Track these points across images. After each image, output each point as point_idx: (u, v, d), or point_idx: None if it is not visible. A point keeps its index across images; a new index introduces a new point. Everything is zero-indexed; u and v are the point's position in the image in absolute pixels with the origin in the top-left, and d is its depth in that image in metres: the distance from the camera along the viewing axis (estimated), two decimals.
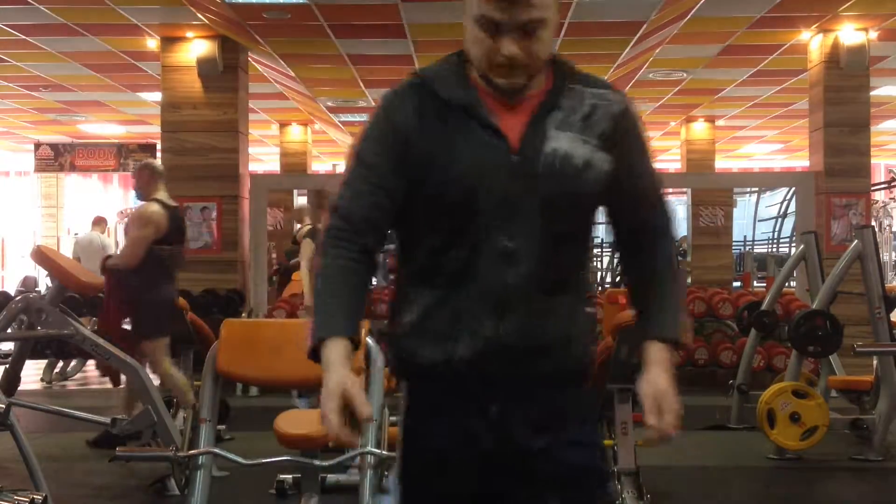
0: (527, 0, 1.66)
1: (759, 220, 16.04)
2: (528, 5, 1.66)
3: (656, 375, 1.78)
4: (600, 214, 1.86)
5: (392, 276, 1.91)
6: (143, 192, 6.02)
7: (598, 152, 1.74)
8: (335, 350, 1.67)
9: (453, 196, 1.70)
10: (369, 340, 2.67)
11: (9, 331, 4.98)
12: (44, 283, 11.24)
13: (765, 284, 12.34)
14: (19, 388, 5.18)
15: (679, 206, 14.23)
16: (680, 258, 11.74)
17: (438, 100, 1.73)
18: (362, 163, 1.76)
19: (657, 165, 1.90)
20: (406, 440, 1.80)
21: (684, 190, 14.28)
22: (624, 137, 1.78)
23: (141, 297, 5.61)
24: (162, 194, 6.04)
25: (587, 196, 1.76)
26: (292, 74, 10.32)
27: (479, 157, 1.69)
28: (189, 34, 8.96)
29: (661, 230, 1.87)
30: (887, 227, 16.44)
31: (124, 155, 14.62)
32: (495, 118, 1.72)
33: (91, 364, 9.93)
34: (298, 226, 10.49)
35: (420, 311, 1.75)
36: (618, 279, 14.43)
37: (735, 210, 14.62)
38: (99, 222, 11.76)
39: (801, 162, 17.89)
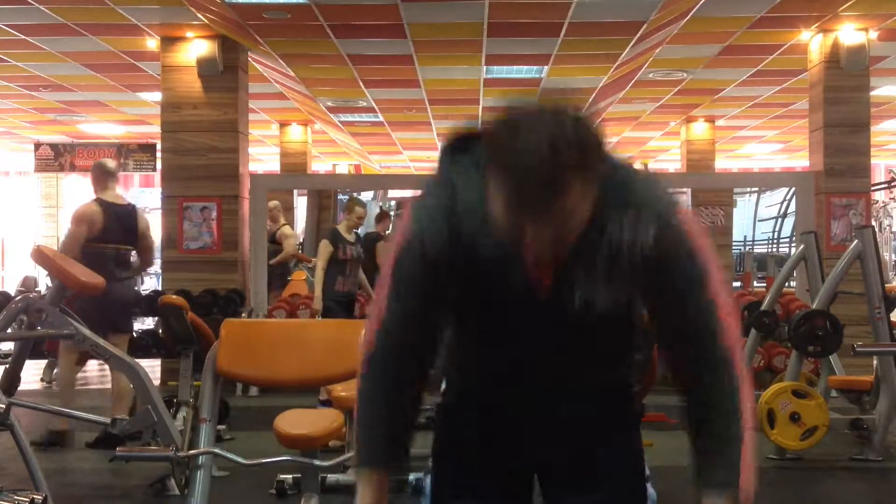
0: (553, 219, 1.45)
1: (759, 220, 16.05)
2: (557, 224, 1.46)
3: None
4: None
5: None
6: (93, 190, 6.26)
7: (624, 290, 1.60)
8: (365, 485, 1.67)
9: (479, 321, 1.67)
10: None
11: (9, 331, 4.97)
12: (44, 283, 11.24)
13: (765, 284, 12.34)
14: (19, 388, 5.17)
15: None
16: None
17: (470, 227, 1.58)
18: (402, 275, 1.64)
19: (714, 289, 1.61)
20: (442, 420, 1.82)
21: (684, 190, 14.27)
22: (658, 269, 1.57)
23: (74, 295, 5.63)
24: (109, 193, 6.24)
25: (619, 324, 1.67)
26: (292, 74, 10.32)
27: (506, 298, 1.61)
28: (189, 34, 8.96)
29: (713, 364, 1.60)
30: (887, 227, 16.45)
31: (124, 155, 14.61)
32: (527, 262, 1.57)
33: (91, 364, 9.93)
34: (273, 224, 10.48)
35: (454, 368, 1.78)
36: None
37: (735, 210, 14.62)
38: None
39: (801, 162, 17.87)
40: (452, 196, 1.58)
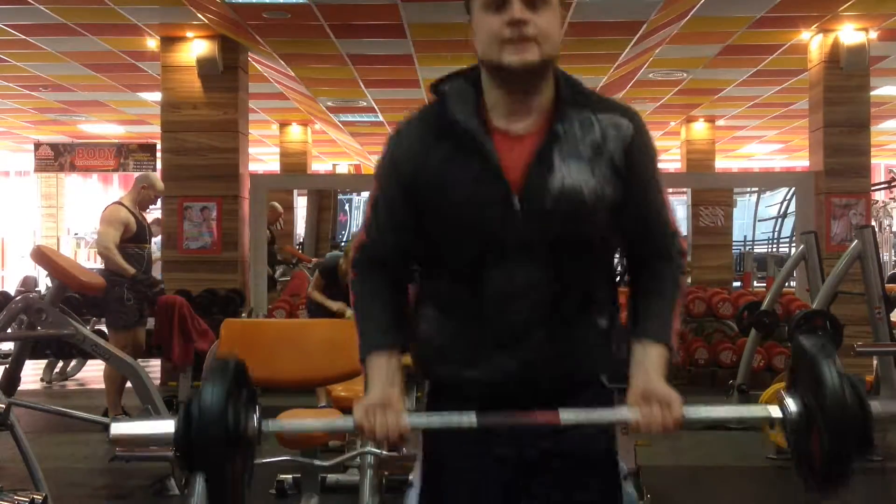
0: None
1: (759, 220, 16.05)
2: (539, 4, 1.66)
3: (643, 373, 1.70)
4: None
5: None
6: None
7: (608, 183, 1.70)
8: (374, 367, 1.74)
9: (453, 234, 1.72)
10: None
11: (9, 331, 4.97)
12: (44, 283, 11.24)
13: (765, 284, 12.34)
14: (19, 388, 5.17)
15: (679, 206, 14.21)
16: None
17: (447, 123, 1.72)
18: (383, 193, 1.80)
19: (665, 190, 1.83)
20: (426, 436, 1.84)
21: (684, 190, 14.28)
22: (634, 165, 1.73)
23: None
24: None
25: (598, 228, 1.73)
26: (292, 74, 10.32)
27: (478, 199, 1.68)
28: (189, 34, 8.96)
29: (668, 252, 1.81)
30: (887, 227, 16.45)
31: (124, 155, 14.62)
32: (498, 153, 1.68)
33: (91, 364, 9.93)
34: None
35: (433, 334, 1.79)
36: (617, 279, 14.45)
37: (735, 210, 14.62)
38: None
39: (801, 162, 17.88)
40: (438, 99, 1.77)
